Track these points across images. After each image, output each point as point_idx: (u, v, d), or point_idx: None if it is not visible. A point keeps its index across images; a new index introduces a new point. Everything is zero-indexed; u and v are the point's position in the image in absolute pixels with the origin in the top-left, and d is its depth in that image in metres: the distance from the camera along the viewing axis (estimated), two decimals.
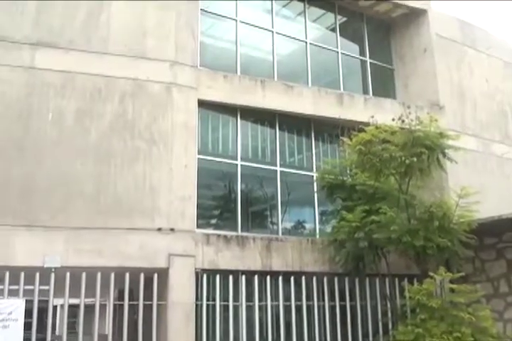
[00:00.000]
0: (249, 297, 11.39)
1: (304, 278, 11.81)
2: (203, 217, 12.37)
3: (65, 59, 11.45)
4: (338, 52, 15.83)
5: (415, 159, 10.86)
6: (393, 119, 11.17)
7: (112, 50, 11.80)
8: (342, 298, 12.22)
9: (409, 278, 11.96)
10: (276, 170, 13.45)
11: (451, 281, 10.85)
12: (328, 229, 13.19)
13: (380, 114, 12.28)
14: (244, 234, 12.33)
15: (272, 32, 14.87)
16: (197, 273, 11.15)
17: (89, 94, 11.40)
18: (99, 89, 11.48)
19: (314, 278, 11.95)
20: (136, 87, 11.75)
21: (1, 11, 11.24)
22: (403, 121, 11.12)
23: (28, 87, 11.08)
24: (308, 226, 13.93)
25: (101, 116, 11.36)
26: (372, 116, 11.34)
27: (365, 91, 15.96)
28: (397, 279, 12.35)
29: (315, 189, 13.46)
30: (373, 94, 15.84)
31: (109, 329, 10.45)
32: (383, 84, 16.65)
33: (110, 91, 11.55)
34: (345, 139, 11.60)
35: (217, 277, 11.16)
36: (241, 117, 13.28)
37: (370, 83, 16.13)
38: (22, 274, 9.71)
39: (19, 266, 9.87)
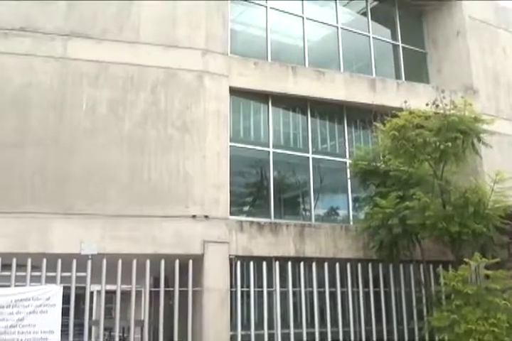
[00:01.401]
0: (283, 283, 11.46)
1: (337, 264, 11.83)
2: (236, 204, 12.42)
3: (97, 49, 11.55)
4: (369, 37, 15.64)
5: (450, 144, 10.73)
6: (427, 104, 11.04)
7: (143, 39, 11.87)
8: (376, 285, 12.22)
9: (443, 264, 11.85)
10: (309, 157, 13.41)
11: (487, 267, 10.73)
12: (362, 215, 13.12)
13: (413, 98, 12.12)
14: (277, 220, 12.36)
15: (303, 18, 14.75)
16: (231, 260, 11.23)
17: (121, 83, 11.50)
18: (132, 78, 11.57)
19: (348, 265, 11.96)
20: (168, 76, 11.81)
21: (33, 3, 11.36)
22: (437, 106, 10.98)
23: (61, 77, 11.21)
24: (341, 212, 13.89)
25: (134, 105, 11.46)
26: (406, 101, 11.20)
27: (398, 76, 15.77)
28: (431, 265, 12.28)
29: (348, 175, 13.40)
30: (406, 78, 15.64)
31: (145, 315, 10.63)
32: (416, 69, 16.42)
33: (142, 80, 11.63)
34: (378, 125, 11.49)
35: (251, 263, 11.24)
36: (272, 104, 13.25)
37: (402, 67, 15.92)
38: (59, 261, 9.91)
39: (56, 253, 10.09)
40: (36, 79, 11.04)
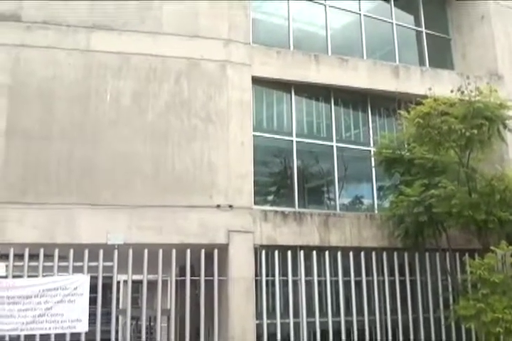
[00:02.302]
0: (308, 272, 11.48)
1: (362, 253, 11.81)
2: (260, 194, 12.44)
3: (120, 40, 11.61)
4: (392, 24, 15.46)
5: (475, 131, 10.60)
6: (452, 91, 10.89)
7: (165, 30, 11.89)
8: (401, 273, 12.19)
9: (470, 252, 11.75)
10: (333, 146, 13.35)
11: None
12: (386, 204, 13.05)
13: (438, 85, 11.97)
14: (302, 210, 12.36)
15: (325, 5, 14.61)
16: (256, 249, 11.28)
17: (144, 74, 11.56)
18: (155, 69, 11.62)
19: (373, 253, 11.94)
20: (190, 66, 11.83)
21: None
22: (462, 92, 10.84)
23: (85, 69, 11.30)
24: (366, 201, 13.83)
25: (157, 95, 11.51)
26: (430, 88, 11.08)
27: (422, 63, 15.57)
28: (457, 254, 12.20)
29: (372, 164, 13.33)
30: (430, 65, 15.43)
31: (171, 305, 10.73)
32: (440, 55, 16.21)
33: (165, 71, 11.67)
34: (402, 112, 11.40)
35: (276, 252, 11.27)
36: (295, 93, 13.21)
37: (426, 54, 15.71)
38: (86, 251, 10.07)
39: (83, 243, 10.25)
40: (60, 72, 11.14)
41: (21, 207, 10.21)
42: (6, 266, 9.86)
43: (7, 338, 9.73)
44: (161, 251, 10.35)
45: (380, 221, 12.50)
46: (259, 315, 11.03)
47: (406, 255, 12.22)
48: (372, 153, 13.33)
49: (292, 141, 12.90)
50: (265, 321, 10.97)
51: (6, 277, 9.84)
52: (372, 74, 13.72)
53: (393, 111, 13.09)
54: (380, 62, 14.13)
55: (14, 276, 9.87)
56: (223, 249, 11.02)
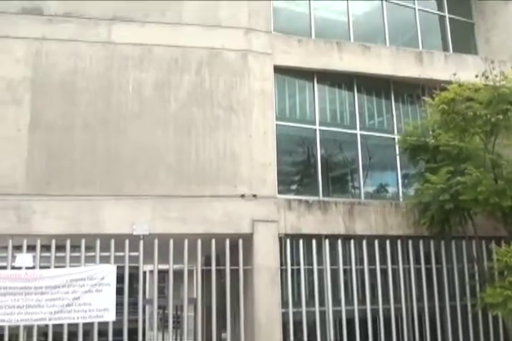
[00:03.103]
0: (333, 261, 11.46)
1: (388, 241, 11.75)
2: (284, 183, 12.42)
3: (140, 32, 11.64)
4: (415, 9, 15.25)
5: (501, 116, 10.43)
6: (476, 76, 10.75)
7: (186, 21, 11.89)
8: (428, 261, 12.12)
9: (496, 240, 11.66)
10: (356, 134, 13.25)
11: None
12: (411, 192, 12.96)
13: (462, 70, 11.82)
14: (326, 198, 12.31)
15: None
16: (280, 238, 11.28)
17: (166, 65, 11.58)
18: (176, 60, 11.64)
19: (399, 242, 11.87)
20: (212, 56, 11.82)
21: None
22: (487, 77, 10.68)
23: (106, 61, 11.37)
24: (390, 189, 13.72)
25: (179, 86, 11.53)
26: (455, 74, 10.92)
27: (445, 48, 15.35)
28: (484, 241, 12.10)
29: (397, 151, 13.21)
30: (454, 50, 15.20)
31: (197, 294, 10.79)
32: (463, 40, 15.97)
33: (187, 62, 11.68)
34: (426, 99, 11.27)
35: (301, 241, 11.27)
36: (318, 81, 13.11)
37: (449, 39, 15.47)
38: (112, 241, 10.17)
39: (109, 233, 10.35)
40: (82, 65, 11.22)
41: (46, 198, 10.35)
42: (34, 257, 10.00)
43: (35, 328, 9.88)
44: (186, 241, 10.42)
45: (406, 209, 12.41)
46: (284, 304, 11.05)
47: (432, 243, 12.14)
48: (396, 140, 13.20)
49: (315, 129, 12.83)
50: (291, 309, 11.00)
51: (33, 268, 9.97)
52: (396, 61, 13.57)
53: (417, 97, 13.01)
54: (403, 48, 13.97)
55: (41, 267, 10.02)
56: (248, 238, 11.04)
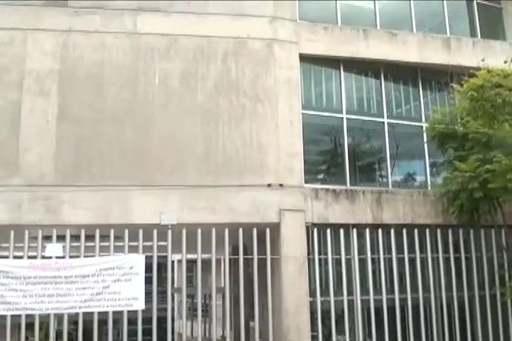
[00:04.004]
0: (361, 250, 11.42)
1: (416, 230, 11.66)
2: (311, 172, 12.39)
3: (166, 22, 11.67)
4: None
5: None
6: (505, 61, 10.55)
7: (211, 10, 11.88)
8: (456, 250, 12.02)
9: None
10: (384, 122, 13.12)
11: None
12: (440, 180, 12.83)
13: (491, 56, 11.62)
14: (353, 187, 12.24)
15: None
16: (307, 228, 11.27)
17: (192, 55, 11.60)
18: (202, 50, 11.65)
19: (427, 230, 11.78)
20: (237, 46, 11.81)
21: None
22: None
23: (133, 52, 11.42)
24: (419, 178, 13.60)
25: (205, 76, 11.55)
26: (483, 60, 10.75)
27: (473, 34, 15.05)
28: None
29: (425, 140, 13.06)
30: (482, 36, 14.90)
31: (225, 283, 10.85)
32: (492, 25, 15.64)
33: (212, 51, 11.69)
34: (455, 86, 11.11)
35: (328, 231, 11.24)
36: (344, 69, 13.01)
37: (477, 25, 15.15)
38: (140, 231, 10.25)
39: (137, 223, 10.45)
40: (108, 56, 11.30)
41: (75, 189, 10.48)
42: (63, 247, 10.13)
43: (66, 316, 10.04)
44: (213, 230, 10.46)
45: (434, 197, 12.31)
46: (312, 293, 11.06)
47: (461, 231, 12.02)
48: (424, 128, 13.06)
49: (342, 118, 12.75)
50: (319, 299, 11.01)
51: (63, 257, 10.12)
52: (423, 48, 13.41)
53: (445, 84, 12.81)
54: (430, 34, 13.77)
55: (71, 257, 10.16)
56: (275, 227, 11.05)
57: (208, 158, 11.20)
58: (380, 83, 13.40)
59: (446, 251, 11.95)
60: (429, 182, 13.26)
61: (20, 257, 10.06)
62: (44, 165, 10.62)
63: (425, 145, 13.17)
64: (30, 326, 9.93)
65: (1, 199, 10.27)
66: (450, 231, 11.96)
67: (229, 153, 11.31)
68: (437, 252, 11.91)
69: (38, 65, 11.03)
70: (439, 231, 11.90)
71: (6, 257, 10.04)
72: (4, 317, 9.79)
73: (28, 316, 9.89)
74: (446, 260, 11.92)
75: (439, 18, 14.76)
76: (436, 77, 13.76)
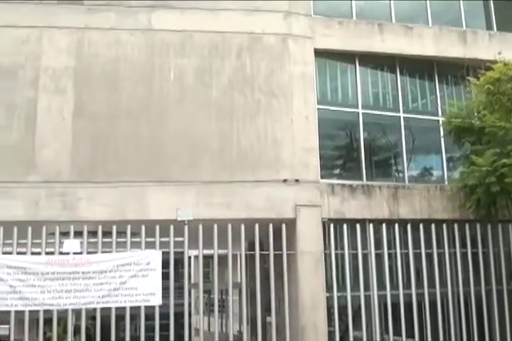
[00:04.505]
0: (378, 245, 11.38)
1: (433, 225, 11.60)
2: (327, 168, 12.35)
3: (180, 19, 11.69)
4: None
5: None
6: None
7: (225, 6, 11.86)
8: (474, 245, 11.93)
9: None
10: (400, 117, 13.06)
11: None
12: (457, 175, 12.73)
13: (507, 49, 11.48)
14: (370, 182, 12.21)
15: None
16: (324, 223, 11.26)
17: (207, 51, 11.62)
18: (216, 46, 11.66)
19: (444, 225, 11.71)
20: (252, 41, 11.80)
21: None
22: None
23: (148, 48, 11.47)
24: (435, 172, 13.52)
25: (220, 72, 11.56)
26: (499, 53, 10.65)
27: (489, 27, 14.87)
28: None
29: (441, 134, 12.98)
30: (498, 29, 14.71)
31: (241, 278, 10.89)
32: (508, 18, 15.43)
33: (227, 47, 11.70)
34: (471, 79, 11.02)
35: (344, 226, 11.21)
36: (359, 64, 12.95)
37: (493, 17, 15.00)
38: (157, 227, 10.28)
39: (154, 219, 10.50)
40: (123, 53, 11.35)
41: (92, 185, 10.55)
42: (81, 243, 10.20)
43: (83, 311, 10.12)
44: (229, 226, 10.47)
45: (451, 192, 12.23)
46: (329, 288, 11.05)
47: (478, 226, 11.93)
48: (440, 122, 12.96)
49: (358, 113, 12.69)
50: (335, 294, 10.99)
51: (80, 253, 10.19)
52: (439, 41, 13.30)
53: (461, 78, 12.73)
54: (446, 28, 13.65)
55: (89, 252, 10.22)
56: (291, 223, 11.04)
57: (223, 154, 11.22)
58: (396, 77, 13.32)
59: (463, 246, 11.87)
60: (445, 177, 13.18)
61: (38, 253, 10.15)
62: (61, 161, 10.71)
63: (442, 139, 13.08)
64: (48, 321, 10.02)
65: (18, 195, 10.38)
66: (467, 226, 11.87)
67: (244, 148, 11.32)
68: (454, 247, 11.83)
69: (53, 63, 11.11)
70: (456, 226, 11.82)
71: (24, 253, 10.11)
72: (22, 312, 9.89)
73: (46, 312, 9.98)
74: (464, 255, 11.85)
75: (454, 11, 14.62)
76: (452, 71, 13.64)
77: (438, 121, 13.18)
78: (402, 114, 13.09)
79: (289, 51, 11.90)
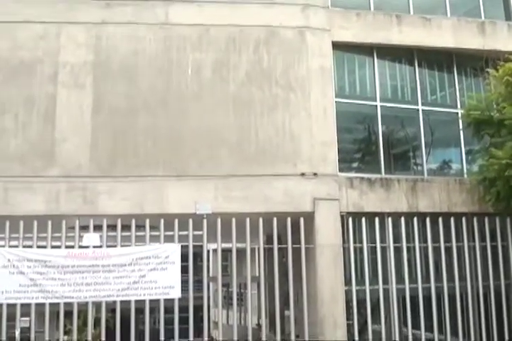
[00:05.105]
0: (397, 239, 11.34)
1: (452, 218, 11.54)
2: (345, 161, 12.31)
3: (197, 12, 11.70)
4: None
5: None
6: None
7: None
8: (493, 239, 11.85)
9: None
10: (418, 109, 12.96)
11: None
12: (476, 168, 12.62)
13: None
14: (388, 176, 12.15)
15: None
16: (342, 216, 11.24)
17: (224, 45, 11.61)
18: (234, 40, 11.65)
19: (463, 219, 11.64)
20: (269, 34, 11.77)
21: None
22: None
23: (165, 42, 11.48)
24: (454, 165, 13.42)
25: (237, 66, 11.55)
26: None
27: (508, 18, 14.69)
28: None
29: (460, 126, 12.87)
30: None
31: (260, 272, 10.90)
32: None
33: (244, 41, 11.69)
34: (490, 71, 10.91)
35: (363, 219, 11.18)
36: (377, 56, 12.86)
37: None
38: (176, 221, 10.33)
39: (172, 213, 10.55)
40: (141, 47, 11.39)
41: (111, 180, 10.63)
42: (100, 237, 10.28)
43: (103, 304, 10.21)
44: (248, 219, 10.48)
45: (470, 185, 12.14)
46: (347, 282, 11.04)
47: (497, 220, 11.84)
48: (459, 115, 12.85)
49: (376, 105, 12.62)
50: (354, 287, 10.98)
51: (100, 247, 10.27)
52: (457, 33, 13.16)
53: (481, 69, 12.62)
54: (464, 19, 13.50)
55: (108, 246, 10.30)
56: (309, 216, 11.04)
57: (241, 148, 11.23)
58: (414, 69, 13.22)
59: (482, 239, 11.79)
60: (465, 170, 13.08)
61: (58, 247, 10.25)
62: (80, 156, 10.79)
63: (461, 132, 12.97)
64: (68, 314, 10.12)
65: (38, 190, 10.49)
66: (486, 220, 11.79)
67: (262, 142, 11.32)
68: (474, 241, 11.76)
69: (72, 58, 11.17)
70: (475, 219, 11.75)
71: (44, 247, 10.23)
72: (43, 305, 10.01)
73: (66, 304, 10.08)
74: (483, 249, 11.77)
75: (473, 1, 14.47)
76: (471, 62, 13.52)
77: (457, 113, 13.06)
78: (420, 107, 12.99)
79: (307, 44, 11.85)
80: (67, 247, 10.26)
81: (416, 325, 11.15)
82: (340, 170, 11.68)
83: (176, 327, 10.18)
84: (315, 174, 11.23)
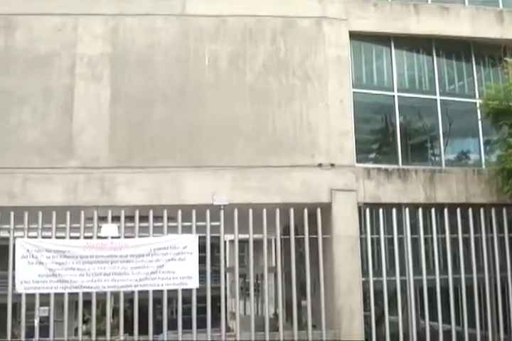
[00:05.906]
0: (414, 230, 11.30)
1: (470, 209, 11.47)
2: (362, 152, 12.26)
3: (214, 3, 11.67)
4: None
5: None
6: None
7: None
8: (511, 230, 11.74)
9: None
10: (436, 99, 12.85)
11: None
12: (494, 158, 12.52)
13: None
14: (406, 167, 12.08)
15: None
16: (359, 207, 11.21)
17: (240, 35, 11.59)
18: (250, 30, 11.62)
19: (481, 210, 11.56)
20: (285, 25, 11.72)
21: None
22: None
23: (182, 33, 11.49)
24: (472, 156, 13.30)
25: (254, 56, 11.53)
26: None
27: None
28: None
29: (479, 116, 12.76)
30: None
31: (276, 262, 10.92)
32: None
33: (261, 31, 11.65)
34: (509, 60, 10.79)
35: (380, 210, 11.15)
36: (395, 46, 12.75)
37: None
38: (193, 212, 10.36)
39: (190, 204, 10.59)
40: (158, 38, 11.41)
41: (129, 171, 10.67)
42: (118, 227, 10.35)
43: (122, 294, 10.29)
44: (265, 210, 10.50)
45: (488, 176, 12.04)
46: (365, 273, 11.03)
47: None
48: (478, 105, 12.73)
49: (394, 96, 12.54)
50: (371, 278, 10.98)
51: (118, 237, 10.34)
52: (475, 22, 13.02)
53: (499, 59, 12.46)
54: (482, 7, 13.33)
55: (126, 237, 10.38)
56: (326, 207, 11.03)
57: (258, 138, 11.23)
58: (432, 59, 13.10)
59: (500, 230, 11.71)
60: (483, 161, 12.96)
61: (77, 237, 10.33)
62: (98, 147, 10.85)
63: (479, 122, 12.86)
64: (87, 304, 10.22)
65: (57, 181, 10.57)
66: (505, 211, 11.70)
67: (279, 132, 11.30)
68: (492, 232, 11.70)
69: (89, 50, 11.21)
70: (493, 210, 11.67)
71: (63, 237, 10.32)
72: (62, 295, 10.11)
73: (84, 294, 10.18)
74: (501, 240, 11.70)
75: None
76: (489, 52, 13.36)
77: (475, 103, 12.94)
78: (438, 97, 12.88)
79: (324, 34, 11.79)
80: (85, 238, 10.35)
81: (433, 317, 11.13)
82: (358, 160, 11.64)
83: (194, 317, 10.24)
84: (332, 165, 11.21)
